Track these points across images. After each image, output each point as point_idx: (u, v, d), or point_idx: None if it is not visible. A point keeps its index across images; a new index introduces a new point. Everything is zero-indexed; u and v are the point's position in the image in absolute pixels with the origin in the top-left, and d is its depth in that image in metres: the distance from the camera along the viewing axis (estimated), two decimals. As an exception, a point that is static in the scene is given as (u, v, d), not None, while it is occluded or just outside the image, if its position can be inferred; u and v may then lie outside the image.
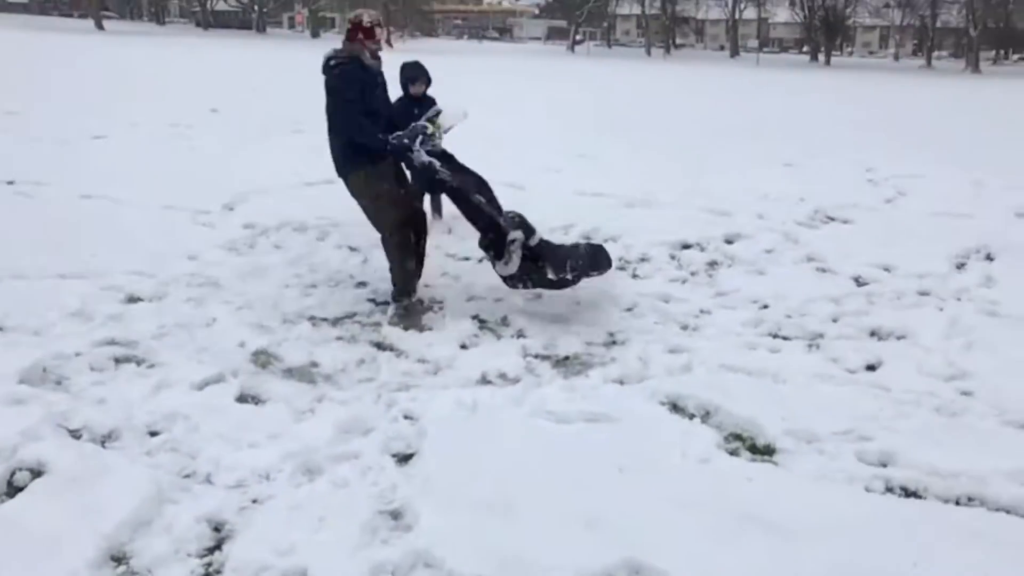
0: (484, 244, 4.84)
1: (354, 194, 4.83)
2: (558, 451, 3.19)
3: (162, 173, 8.04)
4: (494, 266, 4.79)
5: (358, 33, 4.64)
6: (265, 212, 6.67)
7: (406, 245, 4.83)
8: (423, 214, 5.12)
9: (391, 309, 4.77)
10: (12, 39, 33.24)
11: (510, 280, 4.79)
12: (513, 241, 4.66)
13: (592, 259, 4.92)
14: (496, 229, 4.73)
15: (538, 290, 5.17)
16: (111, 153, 9.07)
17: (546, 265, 4.69)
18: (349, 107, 4.59)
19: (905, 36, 74.77)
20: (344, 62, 4.61)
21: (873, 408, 3.63)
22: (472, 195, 4.73)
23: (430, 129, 4.76)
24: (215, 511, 2.74)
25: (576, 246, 5.15)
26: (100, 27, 57.77)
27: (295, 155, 9.25)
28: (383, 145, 4.61)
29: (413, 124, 4.73)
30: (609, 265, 5.04)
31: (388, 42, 53.89)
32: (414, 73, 6.11)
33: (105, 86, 16.76)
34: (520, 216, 4.81)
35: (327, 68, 4.62)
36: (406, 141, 4.62)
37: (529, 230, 4.76)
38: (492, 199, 4.84)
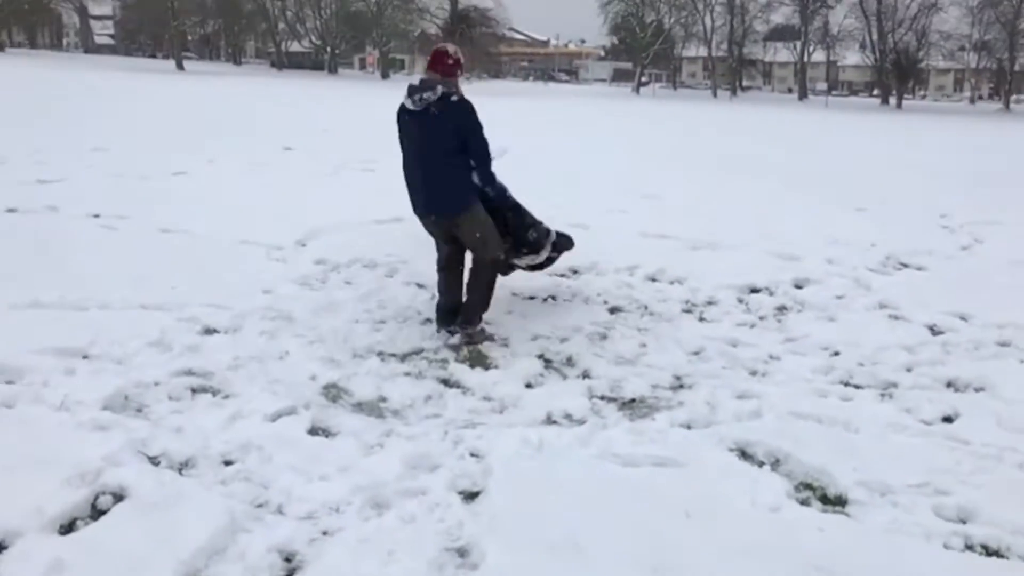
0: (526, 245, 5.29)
1: (469, 227, 4.88)
2: (625, 494, 3.17)
3: (238, 209, 8.30)
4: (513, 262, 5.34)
5: (458, 68, 4.81)
6: (336, 248, 6.82)
7: (494, 283, 5.07)
8: None
9: (458, 337, 4.88)
10: (99, 79, 34.85)
11: (534, 267, 5.47)
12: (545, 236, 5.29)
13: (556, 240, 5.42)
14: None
15: (604, 329, 5.20)
16: (190, 189, 9.40)
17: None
18: (486, 140, 4.77)
19: (981, 79, 73.19)
20: (461, 95, 4.73)
21: (950, 461, 3.53)
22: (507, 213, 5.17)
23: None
24: (286, 541, 2.79)
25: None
26: (180, 67, 60.20)
27: (365, 193, 9.46)
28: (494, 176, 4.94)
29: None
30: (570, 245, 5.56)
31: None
32: None
33: (185, 124, 17.42)
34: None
35: (449, 103, 4.64)
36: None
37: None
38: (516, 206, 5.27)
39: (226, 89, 35.16)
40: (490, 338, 4.99)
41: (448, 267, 5.13)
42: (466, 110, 4.68)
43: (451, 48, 4.87)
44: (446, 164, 4.72)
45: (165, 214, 7.73)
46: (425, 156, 4.76)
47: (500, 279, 5.19)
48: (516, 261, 5.36)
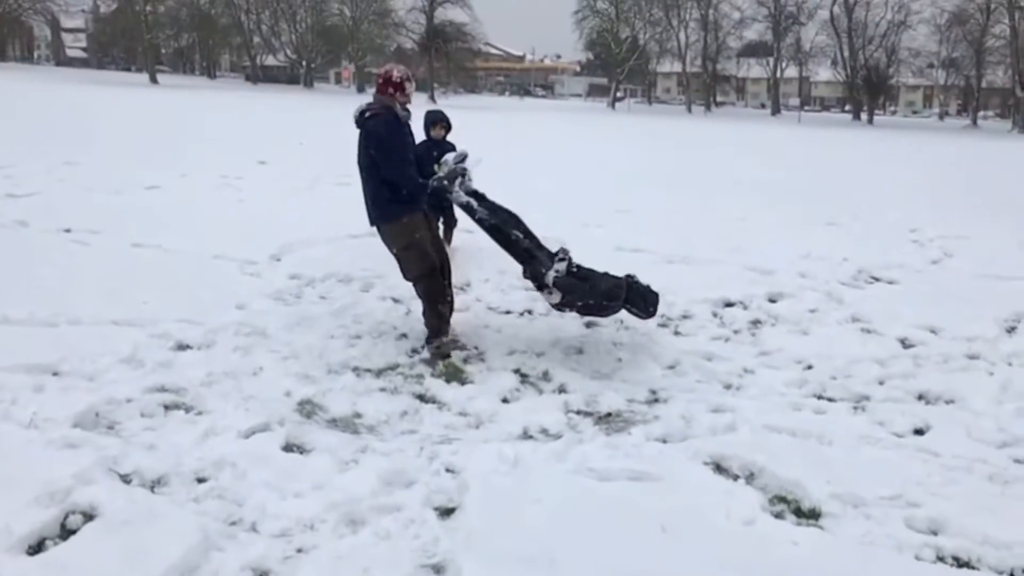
0: (527, 275, 5.02)
1: (387, 242, 5.00)
2: (600, 508, 3.18)
3: (211, 223, 8.25)
4: (542, 293, 4.96)
5: (388, 87, 4.87)
6: (311, 263, 6.80)
7: (437, 290, 5.00)
8: (447, 257, 5.22)
9: (426, 351, 4.90)
10: (72, 91, 34.55)
11: (558, 307, 4.98)
12: (547, 275, 4.83)
13: (642, 296, 5.05)
14: (533, 261, 4.93)
15: (580, 343, 5.21)
16: (162, 203, 9.32)
17: (593, 284, 4.93)
18: (392, 155, 4.78)
19: (950, 95, 74.46)
20: (379, 112, 4.80)
21: (922, 473, 3.57)
22: (509, 231, 4.97)
23: (468, 172, 5.10)
24: (260, 559, 2.76)
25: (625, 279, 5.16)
26: (154, 80, 59.86)
27: (340, 207, 9.41)
28: (424, 189, 4.87)
29: (451, 167, 5.02)
30: (655, 309, 5.11)
31: (432, 98, 55.07)
32: (435, 117, 7.06)
33: (158, 138, 17.29)
34: (565, 250, 5.06)
35: (362, 120, 4.83)
36: (446, 183, 4.93)
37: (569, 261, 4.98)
38: (528, 233, 5.07)
39: (200, 102, 34.97)
40: (461, 347, 5.04)
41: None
42: (373, 125, 4.78)
43: (384, 68, 5.00)
44: (368, 180, 4.89)
45: (137, 229, 7.67)
46: (359, 172, 4.94)
47: (476, 292, 5.13)
48: (546, 299, 5.01)
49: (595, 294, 4.90)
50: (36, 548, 2.76)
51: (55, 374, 4.18)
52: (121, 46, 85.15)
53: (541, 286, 4.91)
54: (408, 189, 4.84)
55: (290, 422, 3.82)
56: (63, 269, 6.16)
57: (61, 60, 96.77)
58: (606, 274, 5.15)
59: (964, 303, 6.45)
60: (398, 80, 4.86)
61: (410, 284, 5.09)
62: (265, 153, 14.79)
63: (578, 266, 5.07)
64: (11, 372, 4.08)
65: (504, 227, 4.97)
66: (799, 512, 3.29)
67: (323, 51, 74.50)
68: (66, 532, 2.85)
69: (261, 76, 76.51)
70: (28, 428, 3.52)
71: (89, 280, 5.89)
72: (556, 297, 4.86)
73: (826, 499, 3.33)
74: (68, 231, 7.50)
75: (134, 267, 6.39)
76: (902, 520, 3.19)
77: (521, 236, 4.98)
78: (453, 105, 33.62)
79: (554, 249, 5.14)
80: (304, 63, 73.75)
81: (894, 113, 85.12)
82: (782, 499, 3.37)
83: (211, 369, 4.42)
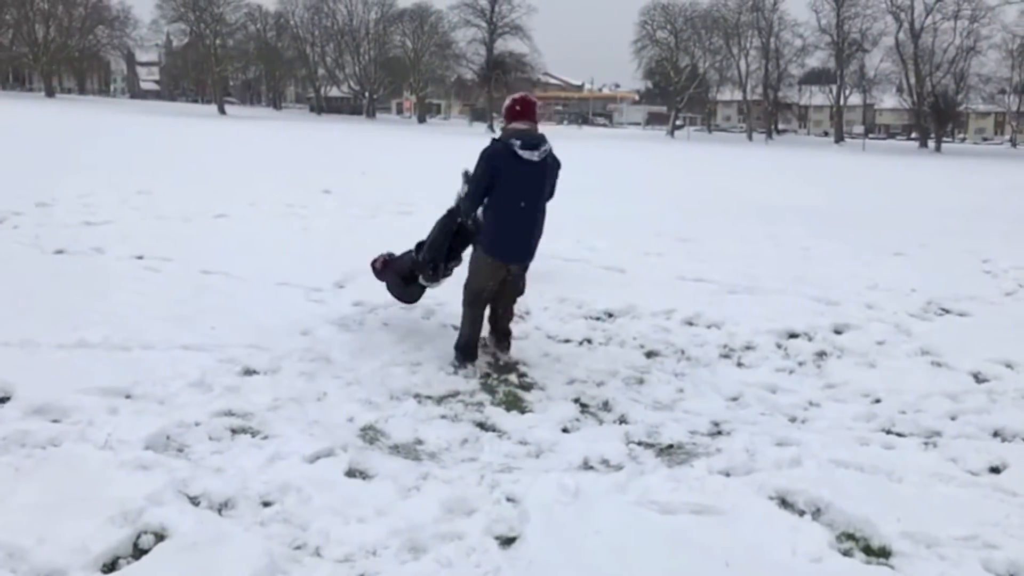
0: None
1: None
2: (663, 542, 3.14)
3: (277, 251, 8.44)
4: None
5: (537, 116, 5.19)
6: (374, 290, 6.85)
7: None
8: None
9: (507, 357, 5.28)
10: (144, 123, 35.83)
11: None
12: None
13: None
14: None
15: (641, 374, 5.18)
16: (231, 231, 9.57)
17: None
18: None
19: (1022, 122, 72.37)
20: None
21: (999, 514, 3.44)
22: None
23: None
24: (324, 584, 2.79)
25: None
26: (222, 111, 61.81)
27: (402, 235, 9.54)
28: None
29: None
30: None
31: (491, 128, 55.66)
32: None
33: (227, 167, 17.81)
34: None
35: (553, 156, 5.05)
36: None
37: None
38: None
39: (267, 133, 35.92)
40: (521, 375, 5.24)
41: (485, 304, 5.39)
42: (555, 157, 5.09)
43: (532, 96, 5.24)
44: (542, 211, 5.12)
45: (207, 256, 7.88)
46: (539, 205, 5.07)
47: (535, 320, 5.22)
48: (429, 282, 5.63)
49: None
50: (110, 567, 2.83)
51: (128, 397, 4.30)
52: (191, 78, 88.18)
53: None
54: None
55: (353, 448, 3.87)
56: (136, 295, 6.35)
57: (135, 92, 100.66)
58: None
59: (1041, 337, 6.23)
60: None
61: (458, 314, 5.42)
62: (329, 183, 15.09)
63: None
64: (87, 394, 4.22)
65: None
66: (868, 550, 3.20)
67: (385, 82, 76.07)
68: (139, 552, 2.92)
69: (325, 107, 78.46)
70: (103, 449, 3.62)
71: (160, 306, 6.06)
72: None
73: (897, 538, 3.23)
74: (141, 258, 7.74)
75: (203, 293, 6.55)
76: (979, 561, 3.08)
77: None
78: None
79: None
80: (367, 94, 75.30)
81: (963, 140, 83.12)
82: (850, 536, 3.29)
83: (277, 394, 4.51)
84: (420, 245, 5.56)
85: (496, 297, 5.32)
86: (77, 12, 68.37)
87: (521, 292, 5.47)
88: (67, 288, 6.39)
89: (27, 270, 6.98)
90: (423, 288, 5.66)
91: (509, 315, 5.48)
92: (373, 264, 5.90)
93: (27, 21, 66.22)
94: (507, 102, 5.12)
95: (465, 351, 5.22)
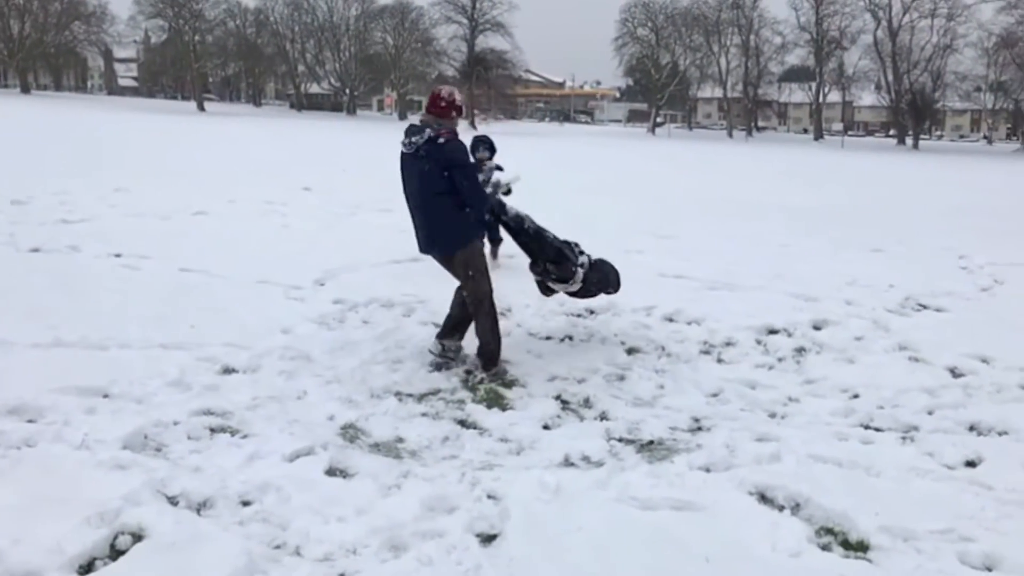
0: (539, 269, 5.39)
1: (460, 268, 5.03)
2: (644, 538, 3.15)
3: (257, 249, 8.39)
4: (548, 285, 5.45)
5: (452, 110, 4.91)
6: (354, 288, 6.87)
7: (495, 311, 5.13)
8: None
9: (484, 375, 5.00)
10: (122, 120, 35.49)
11: (575, 294, 5.55)
12: (576, 269, 5.34)
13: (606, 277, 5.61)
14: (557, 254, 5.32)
15: (622, 370, 5.19)
16: (209, 229, 9.50)
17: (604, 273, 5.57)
18: (474, 178, 4.93)
19: (998, 119, 73.13)
20: (452, 137, 4.84)
21: (975, 507, 3.47)
22: (546, 233, 5.35)
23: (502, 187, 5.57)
24: (304, 584, 2.78)
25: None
26: (202, 108, 61.33)
27: (382, 233, 9.55)
28: (487, 210, 5.07)
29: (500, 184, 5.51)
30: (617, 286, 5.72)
31: (472, 124, 55.57)
32: (481, 141, 7.77)
33: (205, 164, 17.67)
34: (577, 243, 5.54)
35: (435, 145, 4.77)
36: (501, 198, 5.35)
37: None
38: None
39: (246, 130, 35.68)
40: (503, 372, 5.09)
41: (455, 302, 5.30)
42: (452, 150, 4.80)
43: (445, 91, 5.00)
44: (439, 205, 4.87)
45: (185, 254, 7.83)
46: (420, 198, 4.92)
47: (517, 317, 5.20)
48: (552, 285, 5.49)
49: (604, 283, 5.54)
50: (87, 568, 2.80)
51: (105, 396, 4.26)
52: (170, 75, 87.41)
53: (562, 278, 5.29)
54: (483, 212, 5.01)
55: (333, 446, 3.85)
56: (113, 293, 6.29)
57: (113, 89, 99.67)
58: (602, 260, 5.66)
59: (1017, 332, 6.31)
60: (460, 104, 4.95)
61: (439, 311, 5.32)
62: (309, 180, 15.02)
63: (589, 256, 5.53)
64: (64, 394, 4.18)
65: (543, 230, 5.31)
66: (847, 544, 3.22)
67: (366, 79, 75.72)
68: (115, 552, 2.89)
69: (305, 104, 77.99)
70: (79, 449, 3.59)
71: (138, 304, 6.01)
72: (576, 285, 5.36)
73: (875, 532, 3.25)
74: (118, 256, 7.67)
75: (182, 292, 6.50)
76: (955, 555, 3.11)
77: (554, 235, 5.35)
78: (494, 131, 33.89)
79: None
80: (347, 91, 74.97)
81: (940, 138, 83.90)
82: (829, 531, 3.31)
83: (256, 393, 4.48)
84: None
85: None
86: (53, 7, 67.49)
87: (470, 296, 5.09)
88: (43, 287, 6.33)
89: (2, 268, 6.90)
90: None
91: (476, 330, 5.18)
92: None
93: (2, 17, 65.36)
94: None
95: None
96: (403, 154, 4.94)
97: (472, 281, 5.03)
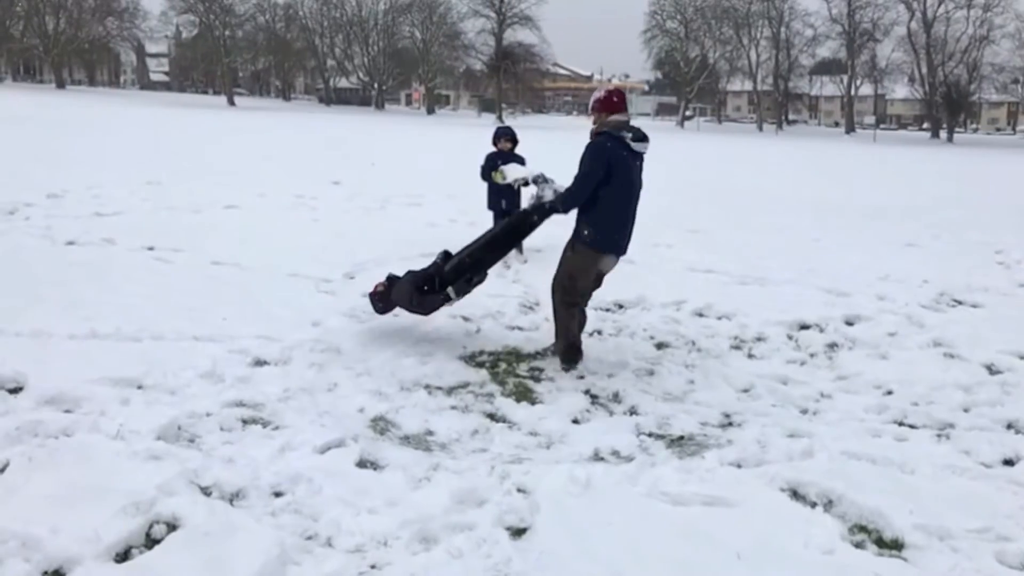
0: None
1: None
2: (674, 533, 3.13)
3: (287, 242, 8.45)
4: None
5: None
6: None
7: None
8: None
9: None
10: (154, 114, 35.89)
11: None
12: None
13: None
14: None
15: (651, 365, 5.16)
16: (241, 222, 9.59)
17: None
18: None
19: (1035, 112, 71.78)
20: None
21: (1013, 506, 3.42)
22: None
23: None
24: (335, 574, 2.80)
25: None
26: (232, 103, 61.84)
27: (411, 226, 9.58)
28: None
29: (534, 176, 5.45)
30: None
31: (499, 118, 55.57)
32: (502, 132, 8.25)
33: (236, 158, 17.83)
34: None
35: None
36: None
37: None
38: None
39: (276, 124, 35.93)
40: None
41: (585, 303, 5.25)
42: None
43: (615, 88, 5.10)
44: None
45: (217, 247, 7.90)
46: (638, 199, 5.02)
47: (546, 311, 5.23)
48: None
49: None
50: (123, 556, 2.84)
51: (140, 387, 4.32)
52: (201, 70, 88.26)
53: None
54: None
55: (364, 438, 3.87)
56: (147, 286, 6.37)
57: (145, 84, 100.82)
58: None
59: (1054, 328, 6.19)
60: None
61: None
62: (338, 174, 15.10)
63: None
64: (99, 384, 4.23)
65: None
66: (881, 543, 3.18)
67: (394, 73, 75.89)
68: (151, 541, 2.93)
69: (334, 98, 78.47)
70: (115, 439, 3.64)
71: (171, 297, 6.08)
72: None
73: (909, 530, 3.21)
74: (151, 249, 7.76)
75: (214, 284, 6.57)
76: (992, 554, 3.06)
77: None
78: (520, 125, 33.80)
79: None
80: (376, 85, 75.22)
81: (975, 131, 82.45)
82: (862, 528, 3.27)
83: (288, 385, 4.51)
84: (446, 254, 5.40)
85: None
86: (87, 3, 68.36)
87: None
88: (78, 279, 6.41)
89: (38, 261, 7.01)
90: (446, 299, 5.30)
91: (584, 318, 5.24)
92: (372, 296, 5.55)
93: (37, 13, 66.28)
94: (601, 94, 5.00)
95: (571, 354, 5.10)
96: (635, 153, 4.90)
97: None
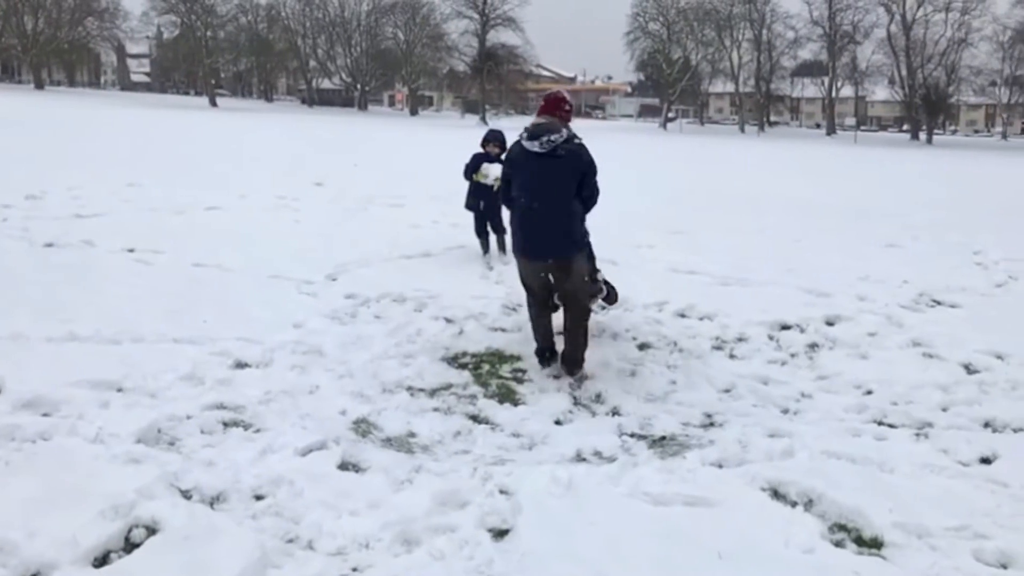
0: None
1: (574, 271, 4.93)
2: (656, 533, 3.14)
3: (269, 243, 8.40)
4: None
5: (570, 116, 5.01)
6: (366, 283, 6.87)
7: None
8: None
9: (573, 380, 4.97)
10: (135, 115, 35.62)
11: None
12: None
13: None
14: None
15: (633, 366, 5.18)
16: (222, 223, 9.52)
17: None
18: (597, 181, 4.95)
19: (1014, 114, 72.43)
20: (579, 139, 4.87)
21: (990, 504, 3.45)
22: None
23: None
24: (316, 577, 2.79)
25: None
26: (213, 104, 61.50)
27: (394, 228, 9.55)
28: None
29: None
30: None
31: (483, 119, 55.56)
32: (492, 136, 8.10)
33: (218, 159, 17.72)
34: None
35: (576, 147, 4.81)
36: None
37: None
38: None
39: (258, 125, 35.76)
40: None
41: (544, 312, 5.17)
42: (590, 154, 4.88)
43: (566, 95, 5.06)
44: (567, 206, 4.85)
45: (198, 249, 7.85)
46: (552, 198, 4.80)
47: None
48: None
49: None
50: (101, 560, 2.82)
51: (119, 390, 4.28)
52: (182, 70, 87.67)
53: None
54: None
55: (346, 441, 3.86)
56: (127, 288, 6.32)
57: (126, 85, 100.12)
58: None
59: (1031, 328, 6.25)
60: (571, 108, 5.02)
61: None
62: (321, 175, 15.04)
63: None
64: (78, 387, 4.19)
65: None
66: (860, 541, 3.21)
67: (377, 74, 75.67)
68: (130, 545, 2.91)
69: (317, 99, 78.07)
70: (94, 443, 3.61)
71: (152, 299, 6.03)
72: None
73: (889, 528, 3.24)
74: (132, 251, 7.69)
75: (194, 286, 6.52)
76: (970, 552, 3.09)
77: None
78: (504, 126, 33.80)
79: None
80: (358, 86, 75.01)
81: (954, 132, 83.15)
82: (842, 527, 3.30)
83: (269, 387, 4.49)
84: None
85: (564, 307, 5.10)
86: (66, 3, 67.73)
87: (579, 303, 5.04)
88: (57, 281, 6.35)
89: (16, 263, 6.93)
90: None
91: (570, 336, 5.01)
92: (607, 300, 5.90)
93: (16, 12, 65.61)
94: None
95: (536, 352, 5.18)
96: (527, 152, 4.80)
97: (584, 285, 5.09)
